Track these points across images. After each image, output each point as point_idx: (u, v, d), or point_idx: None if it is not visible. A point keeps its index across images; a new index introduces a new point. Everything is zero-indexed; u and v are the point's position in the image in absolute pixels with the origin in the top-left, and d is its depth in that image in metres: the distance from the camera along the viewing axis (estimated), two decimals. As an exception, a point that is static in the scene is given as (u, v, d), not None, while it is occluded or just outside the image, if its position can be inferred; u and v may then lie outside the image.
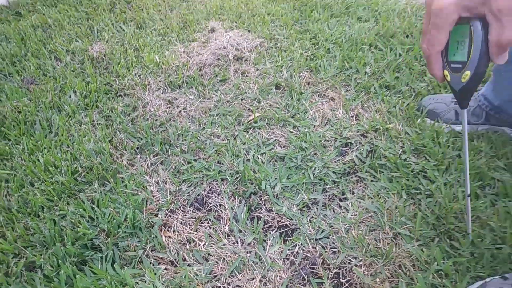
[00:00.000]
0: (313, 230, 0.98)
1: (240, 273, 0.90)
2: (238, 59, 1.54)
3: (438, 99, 1.25)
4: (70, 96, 1.39)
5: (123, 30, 1.73)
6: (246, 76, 1.47)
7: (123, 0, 1.93)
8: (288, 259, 0.94)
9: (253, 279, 0.89)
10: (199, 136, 1.24)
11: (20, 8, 1.95)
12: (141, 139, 1.23)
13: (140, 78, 1.46)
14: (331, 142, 1.21)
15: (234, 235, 0.97)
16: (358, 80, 1.43)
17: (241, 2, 1.88)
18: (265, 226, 1.01)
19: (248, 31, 1.68)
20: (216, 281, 0.88)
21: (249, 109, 1.34)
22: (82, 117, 1.31)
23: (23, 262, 0.92)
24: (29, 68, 1.52)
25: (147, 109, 1.34)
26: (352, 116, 1.31)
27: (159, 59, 1.52)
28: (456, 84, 0.66)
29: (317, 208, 1.03)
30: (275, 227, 1.00)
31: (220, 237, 0.97)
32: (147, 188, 1.08)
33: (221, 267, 0.91)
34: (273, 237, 0.97)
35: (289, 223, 1.00)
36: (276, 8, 1.81)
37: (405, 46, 1.56)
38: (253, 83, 1.43)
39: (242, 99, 1.38)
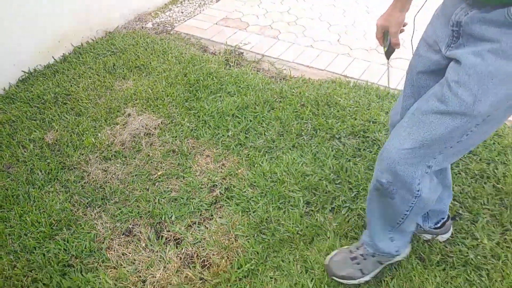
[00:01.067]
0: (193, 239, 1.79)
1: (152, 267, 1.69)
2: (147, 135, 2.33)
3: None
4: (38, 174, 2.11)
5: (67, 118, 2.46)
6: (153, 146, 2.26)
7: (63, 93, 2.65)
8: (179, 256, 1.73)
9: (159, 269, 1.68)
10: (125, 191, 2.01)
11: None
12: (89, 197, 1.99)
13: (83, 156, 2.21)
14: (205, 184, 2.03)
15: (148, 247, 1.76)
16: (223, 141, 2.26)
17: (149, 87, 2.67)
18: (166, 240, 1.80)
19: (153, 112, 2.47)
20: (138, 272, 1.67)
21: (155, 169, 2.13)
22: (49, 188, 2.04)
23: (30, 278, 1.65)
24: (5, 156, 2.22)
25: (90, 177, 2.10)
26: (219, 166, 2.14)
27: (94, 140, 2.28)
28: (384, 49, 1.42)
29: (196, 226, 1.84)
30: (172, 240, 1.80)
31: (140, 249, 1.75)
32: (95, 228, 1.84)
33: (141, 266, 1.69)
34: (170, 246, 1.77)
35: (180, 237, 1.80)
36: (172, 91, 2.62)
37: (256, 113, 2.42)
38: (157, 151, 2.22)
39: (151, 162, 2.16)
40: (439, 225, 1.61)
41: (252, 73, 2.76)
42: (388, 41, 1.37)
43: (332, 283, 1.56)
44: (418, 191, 1.17)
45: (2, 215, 1.90)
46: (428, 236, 1.66)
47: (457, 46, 1.02)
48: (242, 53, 3.06)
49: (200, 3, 3.87)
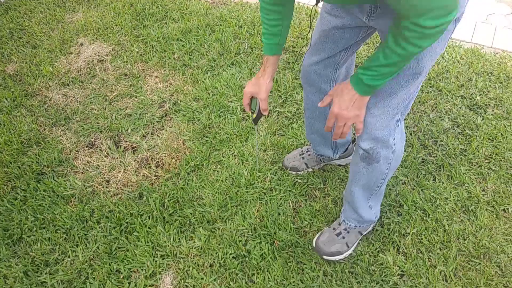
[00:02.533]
0: (147, 146, 2.04)
1: (114, 170, 1.96)
2: (100, 61, 2.49)
3: (292, 157, 1.87)
4: (4, 102, 2.27)
5: (24, 51, 2.57)
6: (106, 71, 2.43)
7: (18, 28, 2.72)
8: (137, 160, 2.00)
9: (120, 171, 1.95)
10: (84, 111, 2.22)
11: None
12: (53, 118, 2.18)
13: (43, 83, 2.37)
14: (155, 101, 2.25)
15: (109, 155, 2.01)
16: (170, 63, 2.45)
17: (98, 18, 2.77)
18: (124, 148, 2.05)
19: (104, 40, 2.61)
20: (102, 175, 1.93)
21: (110, 91, 2.32)
22: (16, 113, 2.22)
23: (9, 186, 1.89)
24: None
25: (52, 101, 2.28)
26: (167, 85, 2.35)
27: (52, 69, 2.43)
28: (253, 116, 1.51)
29: (150, 136, 2.09)
30: (129, 148, 2.05)
31: (103, 157, 2.01)
32: (62, 143, 2.07)
33: (105, 170, 1.96)
34: (128, 152, 2.02)
35: (136, 145, 2.06)
36: (120, 20, 2.74)
37: (198, 37, 2.59)
38: (111, 75, 2.40)
39: (106, 86, 2.35)
40: (346, 150, 1.80)
41: (194, 0, 2.88)
42: (257, 107, 1.39)
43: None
44: (394, 144, 1.27)
45: (-24, 138, 2.08)
46: (342, 162, 1.88)
47: (378, 16, 1.09)
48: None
49: None
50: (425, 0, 0.86)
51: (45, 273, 1.59)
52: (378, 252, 1.62)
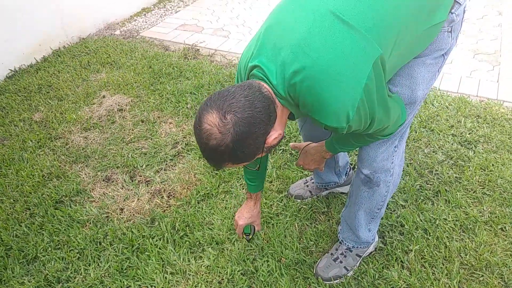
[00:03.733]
0: (160, 179, 2.14)
1: (128, 199, 2.03)
2: (120, 110, 2.68)
3: (297, 186, 1.95)
4: (29, 143, 2.42)
5: (50, 103, 2.78)
6: (125, 118, 2.61)
7: (46, 85, 2.97)
8: (150, 192, 2.08)
9: (133, 200, 2.02)
10: (103, 151, 2.35)
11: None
12: (73, 157, 2.31)
13: (66, 128, 2.53)
14: (169, 142, 2.39)
15: (124, 187, 2.10)
16: (183, 112, 2.63)
17: (119, 77, 3.03)
18: (139, 182, 2.14)
19: (124, 93, 2.83)
20: (117, 203, 2.00)
21: (128, 135, 2.47)
22: (39, 152, 2.35)
23: (28, 213, 1.96)
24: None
25: (73, 143, 2.42)
26: (180, 130, 2.50)
27: (75, 116, 2.61)
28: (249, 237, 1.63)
29: (163, 171, 2.20)
30: (143, 181, 2.14)
31: (118, 189, 2.09)
32: (80, 177, 2.17)
33: (119, 199, 2.03)
34: (142, 185, 2.11)
35: (150, 179, 2.15)
36: (139, 78, 2.99)
37: (209, 90, 2.81)
38: (129, 121, 2.58)
39: (124, 130, 2.51)
40: (347, 176, 1.87)
41: (206, 63, 3.16)
42: (252, 230, 1.56)
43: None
44: (392, 168, 1.32)
45: (3, 172, 2.20)
46: (344, 190, 1.94)
47: None
48: (198, 49, 3.46)
49: (162, 14, 4.27)
50: (387, 128, 1.13)
51: (57, 289, 1.59)
52: (383, 267, 1.63)
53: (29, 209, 1.97)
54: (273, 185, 2.03)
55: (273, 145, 1.02)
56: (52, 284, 1.62)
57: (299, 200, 1.94)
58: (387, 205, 1.86)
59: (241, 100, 0.93)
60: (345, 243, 1.61)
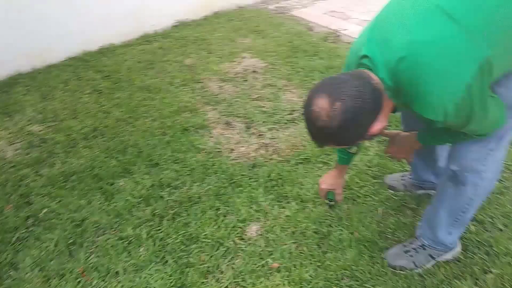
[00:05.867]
0: (271, 136, 2.37)
1: (239, 144, 2.30)
2: (254, 72, 2.97)
3: (393, 177, 1.93)
4: (176, 80, 2.85)
5: (200, 53, 3.20)
6: (257, 79, 2.89)
7: (201, 38, 3.42)
8: (259, 143, 2.32)
9: (243, 146, 2.28)
10: (231, 101, 2.65)
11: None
12: (207, 100, 2.66)
13: (207, 76, 2.92)
14: (288, 109, 2.59)
15: (239, 134, 2.38)
16: (308, 86, 2.81)
17: (262, 44, 3.33)
18: (252, 133, 2.40)
19: (262, 59, 3.12)
20: (229, 144, 2.28)
21: (255, 93, 2.75)
22: (182, 89, 2.77)
23: (162, 130, 2.36)
24: (156, 67, 3.01)
25: (210, 89, 2.78)
26: (300, 100, 2.69)
27: (216, 68, 2.98)
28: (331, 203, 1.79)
29: (275, 130, 2.42)
30: (256, 133, 2.39)
31: (234, 133, 2.38)
32: (207, 115, 2.51)
33: (232, 141, 2.31)
34: (254, 136, 2.36)
35: (262, 133, 2.39)
36: (278, 49, 3.25)
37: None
38: (259, 82, 2.85)
39: (252, 89, 2.79)
40: None
41: (343, 49, 3.27)
42: (333, 197, 1.63)
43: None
44: (484, 172, 1.25)
45: (152, 96, 2.66)
46: None
47: None
48: (339, 35, 3.58)
49: (315, -2, 4.47)
50: (483, 128, 1.14)
51: (165, 191, 1.94)
52: (454, 277, 1.60)
53: (162, 129, 2.37)
54: (371, 170, 2.09)
55: (376, 134, 1.11)
56: (163, 186, 1.97)
57: (391, 191, 1.97)
58: (481, 221, 1.79)
59: (352, 90, 1.00)
60: (421, 239, 1.59)
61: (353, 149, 1.54)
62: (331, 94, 0.99)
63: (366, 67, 1.10)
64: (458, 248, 1.61)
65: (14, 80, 2.92)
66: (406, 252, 1.60)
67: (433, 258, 1.59)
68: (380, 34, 1.06)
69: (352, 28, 3.68)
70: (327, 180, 1.62)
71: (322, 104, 1.00)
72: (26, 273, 1.58)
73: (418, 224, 1.64)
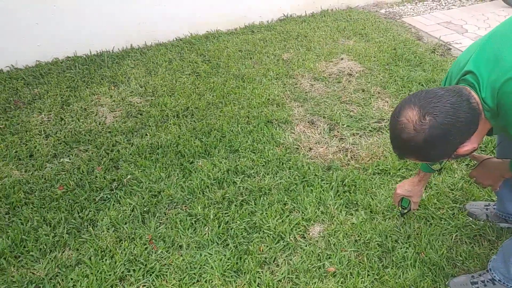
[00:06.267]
0: (352, 141, 2.34)
1: (319, 144, 2.31)
2: (349, 74, 2.93)
3: (476, 205, 1.83)
4: (271, 72, 2.94)
5: (299, 50, 3.25)
6: (350, 82, 2.86)
7: (303, 34, 3.45)
8: (339, 147, 2.30)
9: (322, 147, 2.29)
10: (319, 101, 2.66)
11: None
12: (295, 96, 2.70)
13: (301, 73, 2.95)
14: (376, 116, 2.52)
15: (321, 134, 2.38)
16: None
17: (363, 48, 3.26)
18: (334, 136, 2.39)
19: (360, 62, 3.06)
20: (309, 143, 2.31)
21: (345, 96, 2.72)
22: (275, 82, 2.85)
23: (244, 112, 2.46)
24: (255, 57, 3.13)
25: (301, 85, 2.82)
26: (391, 110, 2.59)
27: (312, 66, 3.00)
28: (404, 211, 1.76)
29: (359, 136, 2.38)
30: (338, 137, 2.38)
31: (315, 133, 2.39)
32: (293, 111, 2.55)
33: (312, 141, 2.33)
34: (336, 139, 2.35)
35: (344, 137, 2.37)
36: (380, 55, 3.15)
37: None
38: (352, 86, 2.81)
39: (344, 92, 2.76)
40: None
41: (451, 62, 3.06)
42: (408, 205, 1.60)
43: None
44: None
45: (244, 85, 2.78)
46: None
47: None
48: (450, 49, 3.35)
49: (433, 7, 4.22)
50: None
51: (239, 178, 2.03)
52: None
53: (248, 118, 2.48)
54: (452, 193, 1.96)
55: (463, 155, 1.05)
56: (238, 173, 2.06)
57: (471, 218, 1.83)
58: None
59: (446, 106, 0.96)
60: (492, 273, 1.47)
61: (436, 166, 1.47)
62: (422, 107, 0.96)
63: (468, 84, 1.05)
64: None
65: (126, 53, 3.27)
66: (473, 283, 1.50)
67: None
68: (491, 51, 1.01)
69: (466, 42, 3.42)
70: (406, 185, 1.57)
71: (411, 116, 0.97)
72: (102, 231, 1.78)
73: (493, 257, 1.52)
